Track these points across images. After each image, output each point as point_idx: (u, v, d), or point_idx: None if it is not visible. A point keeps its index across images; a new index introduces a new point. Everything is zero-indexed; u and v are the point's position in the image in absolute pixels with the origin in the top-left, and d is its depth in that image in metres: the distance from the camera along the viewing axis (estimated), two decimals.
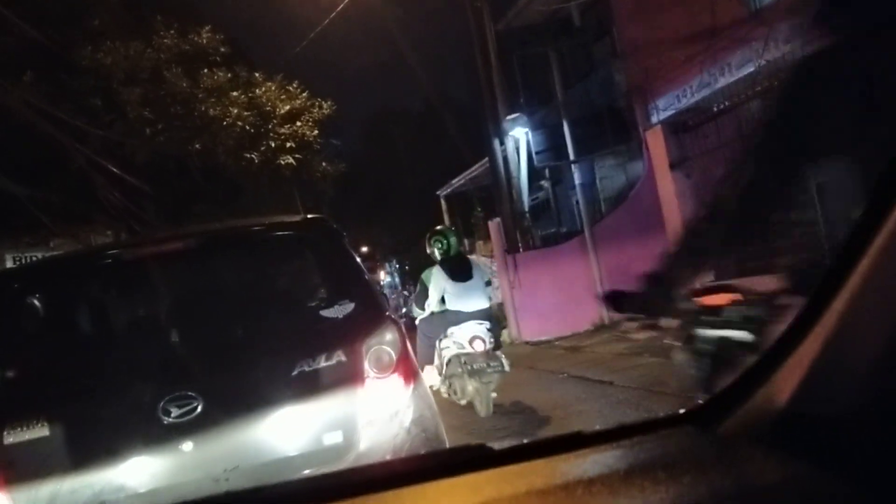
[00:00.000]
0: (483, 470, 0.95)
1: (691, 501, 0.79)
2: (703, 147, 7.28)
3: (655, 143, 7.83)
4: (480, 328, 6.19)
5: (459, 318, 6.28)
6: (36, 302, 3.30)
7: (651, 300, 2.29)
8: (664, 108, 9.42)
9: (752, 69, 7.40)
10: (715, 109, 7.44)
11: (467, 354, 6.15)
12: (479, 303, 6.37)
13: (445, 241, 6.55)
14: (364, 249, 27.66)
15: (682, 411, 1.08)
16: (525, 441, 1.07)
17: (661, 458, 0.94)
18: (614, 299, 2.39)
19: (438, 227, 7.04)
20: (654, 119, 9.40)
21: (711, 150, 7.21)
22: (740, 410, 0.94)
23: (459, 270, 6.42)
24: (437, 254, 6.55)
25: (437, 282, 6.43)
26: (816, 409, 0.84)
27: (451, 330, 6.28)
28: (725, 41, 7.66)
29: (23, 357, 3.13)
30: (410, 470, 1.01)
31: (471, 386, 6.23)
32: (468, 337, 6.12)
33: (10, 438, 2.71)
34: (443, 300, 6.44)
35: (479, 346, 6.10)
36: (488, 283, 6.83)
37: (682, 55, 8.45)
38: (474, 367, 6.07)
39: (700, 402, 1.09)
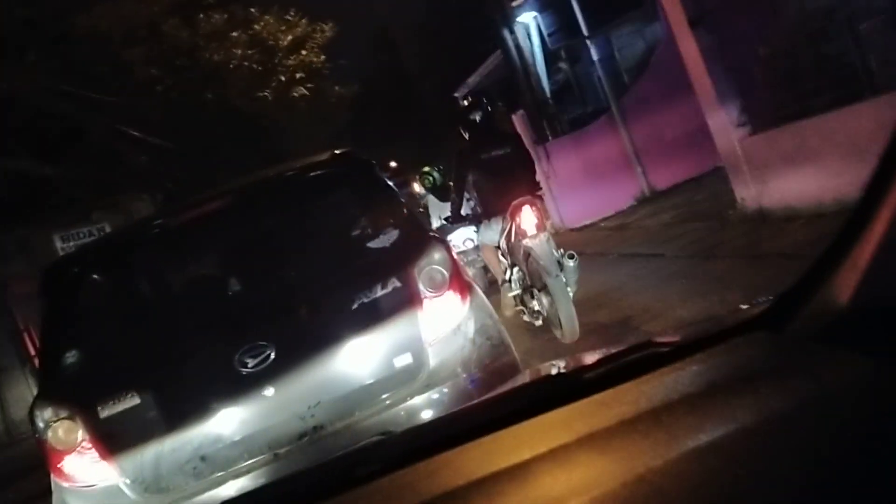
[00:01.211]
0: (570, 403, 0.97)
1: (776, 410, 0.80)
2: None
3: (670, 1, 7.48)
4: (468, 230, 7.01)
5: (452, 229, 7.22)
6: (101, 280, 3.42)
7: None
8: None
9: None
10: None
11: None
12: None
13: (431, 178, 8.83)
14: (393, 165, 27.58)
15: (747, 315, 1.08)
16: (601, 369, 1.08)
17: (738, 369, 0.95)
18: None
19: (424, 169, 9.12)
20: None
21: (732, 1, 6.86)
22: (805, 311, 0.94)
23: (445, 195, 7.84)
24: (426, 186, 8.93)
25: (432, 207, 8.79)
26: (879, 303, 0.83)
27: (448, 237, 6.71)
28: None
29: (99, 334, 3.28)
30: (502, 413, 1.03)
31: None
32: (461, 239, 7.41)
33: (105, 412, 2.87)
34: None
35: (469, 245, 7.34)
36: None
37: None
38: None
39: (763, 304, 1.08)
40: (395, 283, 3.04)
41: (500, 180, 5.18)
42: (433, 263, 3.10)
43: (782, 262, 4.88)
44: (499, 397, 1.30)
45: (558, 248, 4.95)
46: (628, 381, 0.99)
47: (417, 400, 3.00)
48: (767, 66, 7.22)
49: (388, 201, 3.39)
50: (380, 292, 3.02)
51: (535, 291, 5.09)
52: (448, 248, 3.25)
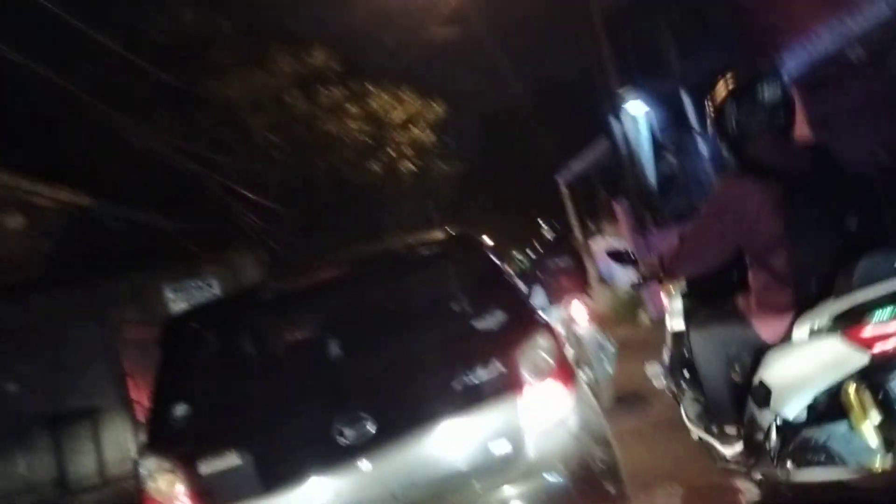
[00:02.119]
0: None
1: None
2: (845, 102, 6.78)
3: None
4: None
5: None
6: (215, 339, 3.55)
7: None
8: (792, 64, 8.87)
9: (887, 12, 6.82)
10: (853, 60, 6.91)
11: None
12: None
13: (521, 262, 9.63)
14: (487, 242, 27.71)
15: None
16: None
17: None
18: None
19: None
20: (785, 76, 8.87)
21: (856, 104, 6.70)
22: None
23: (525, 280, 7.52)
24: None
25: None
26: None
27: None
28: None
29: (208, 390, 3.37)
30: None
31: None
32: None
33: (204, 468, 2.92)
34: None
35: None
36: None
37: (805, 2, 7.92)
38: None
39: None
40: (497, 365, 3.00)
41: None
42: (538, 348, 3.05)
43: None
44: None
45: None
46: None
47: (511, 491, 2.91)
48: (885, 174, 6.94)
49: (498, 282, 3.39)
50: (482, 374, 2.99)
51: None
52: (555, 334, 3.20)
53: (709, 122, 3.12)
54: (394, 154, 13.72)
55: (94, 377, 9.98)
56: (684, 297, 3.40)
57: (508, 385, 2.99)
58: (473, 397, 2.98)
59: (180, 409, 3.12)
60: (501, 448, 2.94)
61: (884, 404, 2.34)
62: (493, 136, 30.11)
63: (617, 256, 3.38)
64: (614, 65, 13.05)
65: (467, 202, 27.99)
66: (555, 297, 6.37)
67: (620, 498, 3.05)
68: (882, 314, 2.31)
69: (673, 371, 3.43)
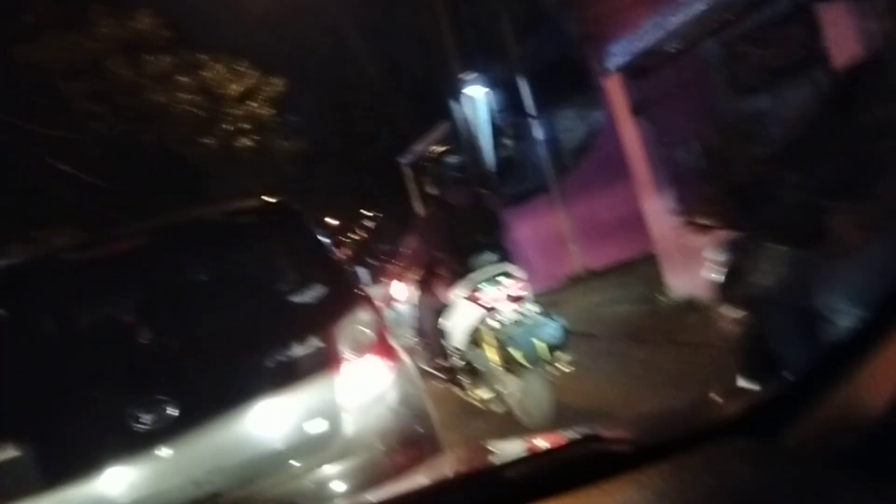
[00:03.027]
0: None
1: None
2: (664, 90, 7.18)
3: (614, 90, 7.71)
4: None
5: None
6: None
7: None
8: (619, 53, 9.30)
9: (703, 6, 7.29)
10: (672, 51, 7.33)
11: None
12: None
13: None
14: (332, 223, 27.35)
15: (719, 415, 0.88)
16: (532, 464, 0.91)
17: (715, 489, 0.72)
18: None
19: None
20: (611, 66, 9.28)
21: (672, 93, 7.11)
22: (811, 418, 0.73)
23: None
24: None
25: None
26: None
27: None
28: None
29: None
30: None
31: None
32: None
33: None
34: None
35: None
36: None
37: None
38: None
39: (739, 400, 0.87)
40: (314, 341, 2.87)
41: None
42: (358, 323, 2.95)
43: (713, 352, 4.88)
44: (422, 493, 1.12)
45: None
46: (567, 493, 0.78)
47: (328, 470, 2.79)
48: (702, 160, 7.46)
49: (317, 254, 3.24)
50: (297, 350, 2.85)
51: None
52: (376, 308, 3.11)
53: (424, 173, 5.11)
54: (230, 129, 13.06)
55: None
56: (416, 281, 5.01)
57: (326, 361, 2.87)
58: (288, 375, 2.83)
59: None
60: (317, 427, 2.81)
61: (497, 338, 4.24)
62: (340, 116, 29.63)
63: None
64: (455, 48, 13.15)
65: (312, 182, 27.41)
66: (378, 278, 6.14)
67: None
68: (486, 286, 4.45)
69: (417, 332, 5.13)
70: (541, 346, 4.16)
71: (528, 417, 4.33)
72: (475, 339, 4.47)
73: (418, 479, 1.24)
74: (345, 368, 2.87)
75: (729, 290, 2.80)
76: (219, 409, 2.74)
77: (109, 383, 2.79)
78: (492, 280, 4.45)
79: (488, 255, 4.54)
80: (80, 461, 2.64)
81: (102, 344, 3.16)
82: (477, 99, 12.97)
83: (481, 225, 4.67)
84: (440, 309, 4.73)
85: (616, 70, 8.32)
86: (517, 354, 4.13)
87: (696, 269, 6.74)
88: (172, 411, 2.64)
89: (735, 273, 2.72)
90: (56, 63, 11.64)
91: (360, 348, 2.91)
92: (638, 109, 7.33)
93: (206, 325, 3.13)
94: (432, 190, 4.85)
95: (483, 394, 4.65)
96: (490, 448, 1.26)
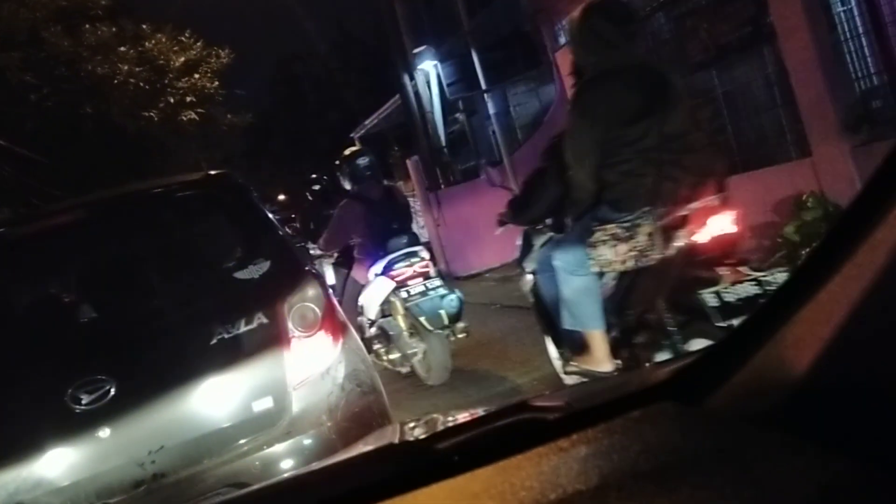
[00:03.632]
0: (431, 482, 0.78)
1: None
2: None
3: (565, 64, 7.71)
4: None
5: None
6: None
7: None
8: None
9: None
10: None
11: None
12: None
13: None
14: (281, 198, 27.01)
15: (648, 380, 0.91)
16: (464, 435, 0.90)
17: (642, 452, 0.73)
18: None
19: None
20: (563, 40, 9.28)
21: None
22: (733, 383, 0.74)
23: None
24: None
25: None
26: (841, 381, 0.65)
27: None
28: None
29: None
30: (362, 481, 0.85)
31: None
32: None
33: None
34: None
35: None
36: None
37: None
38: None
39: (669, 367, 0.91)
40: (261, 318, 2.81)
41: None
42: (306, 300, 2.89)
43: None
44: (354, 464, 1.10)
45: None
46: (497, 461, 0.79)
47: (276, 448, 2.75)
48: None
49: (262, 229, 3.16)
50: (243, 328, 2.78)
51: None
52: (323, 285, 3.05)
53: (338, 171, 5.71)
54: (172, 101, 12.68)
55: None
56: (334, 265, 5.91)
57: (273, 338, 2.81)
58: (234, 352, 2.77)
59: None
60: (264, 405, 2.76)
61: (405, 306, 4.99)
62: (290, 90, 29.17)
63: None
64: (407, 21, 13.01)
65: (260, 157, 26.96)
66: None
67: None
68: (398, 265, 5.13)
69: None
70: (441, 314, 5.01)
71: (428, 375, 5.23)
72: (387, 310, 5.27)
73: (350, 453, 1.23)
74: (292, 345, 2.82)
75: (521, 262, 3.89)
76: (162, 387, 2.66)
77: (47, 363, 2.69)
78: (402, 259, 5.18)
79: (399, 239, 5.26)
80: (16, 443, 2.55)
81: (40, 322, 3.04)
82: (428, 72, 12.87)
83: (392, 214, 5.46)
84: (358, 288, 5.49)
85: (567, 44, 8.33)
86: (422, 320, 4.97)
87: None
88: (113, 391, 2.56)
89: (524, 249, 3.85)
90: None
91: (308, 325, 2.86)
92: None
93: (148, 302, 3.04)
94: (347, 185, 5.63)
95: (392, 357, 5.34)
96: (430, 422, 1.25)
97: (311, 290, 2.94)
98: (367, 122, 18.71)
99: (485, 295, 9.32)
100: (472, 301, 8.61)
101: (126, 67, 11.98)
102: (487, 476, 0.77)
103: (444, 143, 13.28)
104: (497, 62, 12.08)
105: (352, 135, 20.08)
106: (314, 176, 12.93)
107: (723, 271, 2.56)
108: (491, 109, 12.65)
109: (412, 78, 12.81)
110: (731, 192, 2.83)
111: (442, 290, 5.09)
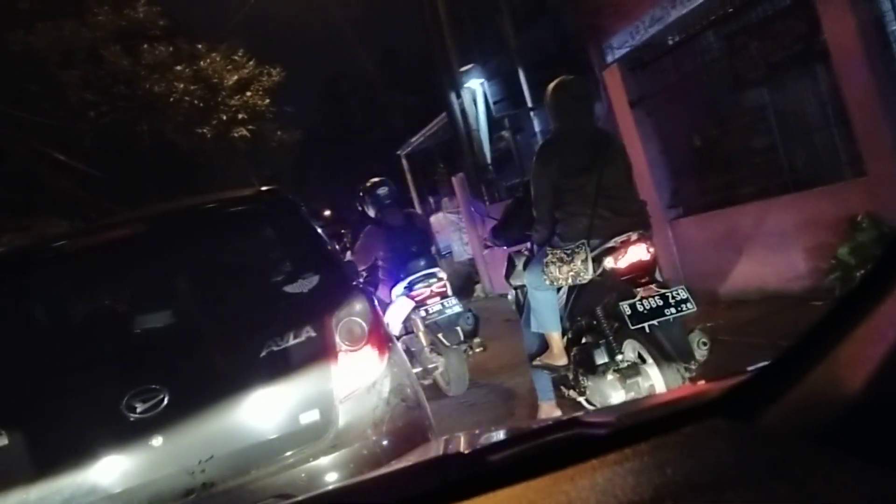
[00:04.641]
0: (480, 494, 0.80)
1: None
2: (662, 83, 7.16)
3: (613, 82, 7.67)
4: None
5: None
6: None
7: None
8: (618, 46, 9.26)
9: (703, 0, 7.28)
10: (670, 43, 7.30)
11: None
12: None
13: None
14: (327, 214, 27.31)
15: (700, 397, 0.90)
16: (515, 448, 0.91)
17: (696, 467, 0.73)
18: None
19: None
20: (610, 58, 9.25)
21: (671, 86, 7.09)
22: (787, 400, 0.74)
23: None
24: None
25: None
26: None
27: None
28: None
29: None
30: (406, 493, 0.87)
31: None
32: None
33: None
34: None
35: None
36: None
37: None
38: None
39: (722, 384, 0.88)
40: (309, 331, 2.85)
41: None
42: (353, 314, 2.93)
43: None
44: (405, 474, 1.12)
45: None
46: (547, 474, 0.80)
47: (321, 461, 2.78)
48: (700, 152, 7.45)
49: (312, 244, 3.22)
50: (292, 341, 2.83)
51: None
52: (370, 300, 3.09)
53: (362, 199, 6.08)
54: (224, 118, 12.99)
55: None
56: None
57: (321, 352, 2.85)
58: (282, 365, 2.81)
59: None
60: (310, 417, 2.79)
61: (425, 324, 5.53)
62: (337, 107, 29.59)
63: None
64: (454, 40, 13.11)
65: (308, 173, 27.33)
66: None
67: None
68: (417, 285, 5.57)
69: None
70: (458, 331, 5.51)
71: (448, 387, 5.66)
72: (409, 327, 5.78)
73: (401, 464, 1.24)
74: (340, 359, 2.85)
75: (507, 279, 4.41)
76: (213, 397, 2.72)
77: (103, 371, 2.77)
78: (421, 280, 5.62)
79: (418, 262, 5.72)
80: (72, 449, 2.63)
81: (96, 332, 3.14)
82: (474, 90, 12.93)
83: (412, 238, 5.89)
84: (382, 306, 5.66)
85: (615, 62, 8.31)
86: (440, 336, 5.47)
87: (688, 261, 6.76)
88: (166, 400, 2.62)
89: (508, 268, 4.36)
90: (51, 51, 11.56)
91: (355, 339, 2.89)
92: (636, 101, 7.31)
93: (200, 314, 3.11)
94: (370, 212, 5.98)
95: (414, 371, 5.50)
96: (479, 435, 1.26)
97: (359, 305, 2.97)
98: (413, 140, 18.83)
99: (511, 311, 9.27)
100: (515, 319, 8.58)
101: (181, 86, 12.34)
102: (542, 486, 0.77)
103: (489, 161, 13.30)
104: (543, 80, 12.06)
105: (398, 152, 20.23)
106: (328, 213, 13.10)
107: (637, 289, 3.34)
108: (537, 127, 12.64)
109: (459, 96, 12.88)
110: (651, 230, 3.73)
111: (458, 309, 5.56)
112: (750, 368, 0.86)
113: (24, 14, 11.78)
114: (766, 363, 0.81)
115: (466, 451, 1.06)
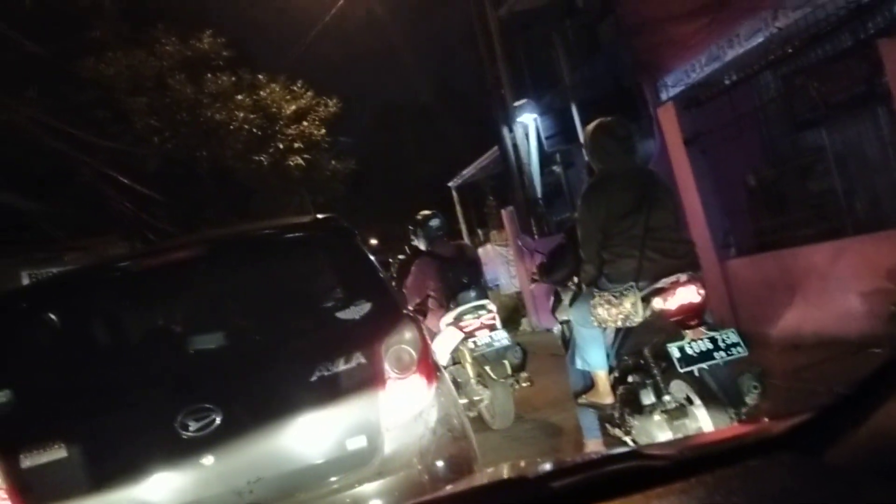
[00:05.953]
0: None
1: None
2: (718, 122, 7.11)
3: (667, 119, 7.64)
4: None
5: None
6: (47, 319, 3.24)
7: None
8: (673, 84, 9.24)
9: (761, 39, 7.22)
10: (727, 82, 7.26)
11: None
12: None
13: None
14: (373, 242, 27.54)
15: (767, 432, 0.90)
16: (577, 476, 0.91)
17: (761, 498, 0.73)
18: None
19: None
20: (664, 96, 9.22)
21: (726, 125, 7.03)
22: (855, 435, 0.75)
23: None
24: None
25: None
26: None
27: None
28: (732, 12, 7.49)
29: (36, 376, 3.07)
30: None
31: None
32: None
33: (27, 462, 2.65)
34: None
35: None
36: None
37: (688, 29, 8.28)
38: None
39: (787, 421, 0.87)
40: (359, 358, 2.89)
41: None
42: (403, 342, 2.96)
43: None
44: (468, 496, 1.12)
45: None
46: (614, 500, 0.80)
47: (366, 487, 2.80)
48: (755, 192, 7.34)
49: (364, 272, 3.27)
50: (342, 366, 2.86)
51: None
52: (420, 328, 3.12)
53: (413, 231, 6.15)
54: (281, 147, 13.34)
55: None
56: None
57: (370, 378, 2.88)
58: (332, 390, 2.85)
59: (2, 397, 2.82)
60: (357, 443, 2.82)
61: (473, 356, 5.55)
62: (389, 138, 29.99)
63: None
64: (508, 75, 13.25)
65: (359, 201, 27.65)
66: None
67: None
68: (467, 317, 5.55)
69: None
70: (506, 364, 5.48)
71: (493, 420, 5.62)
72: (456, 358, 5.78)
73: (460, 487, 1.24)
74: (388, 386, 2.88)
75: (553, 313, 4.46)
76: (264, 419, 2.77)
77: (158, 389, 2.85)
78: (470, 311, 5.61)
79: (468, 293, 5.73)
80: (125, 464, 2.70)
81: (153, 351, 3.24)
82: (527, 125, 13.01)
83: (462, 270, 5.91)
84: (431, 335, 5.61)
85: (670, 100, 8.28)
86: (487, 369, 5.47)
87: (741, 302, 6.62)
88: (218, 420, 2.68)
89: (555, 303, 4.42)
90: (120, 78, 12.06)
91: (404, 367, 2.92)
92: (691, 139, 7.26)
93: (254, 338, 3.18)
94: (422, 244, 6.06)
95: (460, 402, 5.38)
96: (541, 463, 1.26)
97: (409, 333, 3.00)
98: (464, 172, 18.97)
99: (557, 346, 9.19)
100: (562, 353, 8.51)
101: (241, 114, 12.72)
102: None
103: (539, 195, 13.32)
104: (596, 116, 12.06)
105: (449, 184, 20.39)
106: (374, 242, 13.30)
107: (686, 331, 3.31)
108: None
109: (511, 130, 12.98)
110: (701, 271, 3.62)
111: (507, 342, 5.50)
112: (814, 406, 0.86)
113: (95, 43, 12.34)
114: (831, 402, 0.81)
115: (531, 478, 1.07)
